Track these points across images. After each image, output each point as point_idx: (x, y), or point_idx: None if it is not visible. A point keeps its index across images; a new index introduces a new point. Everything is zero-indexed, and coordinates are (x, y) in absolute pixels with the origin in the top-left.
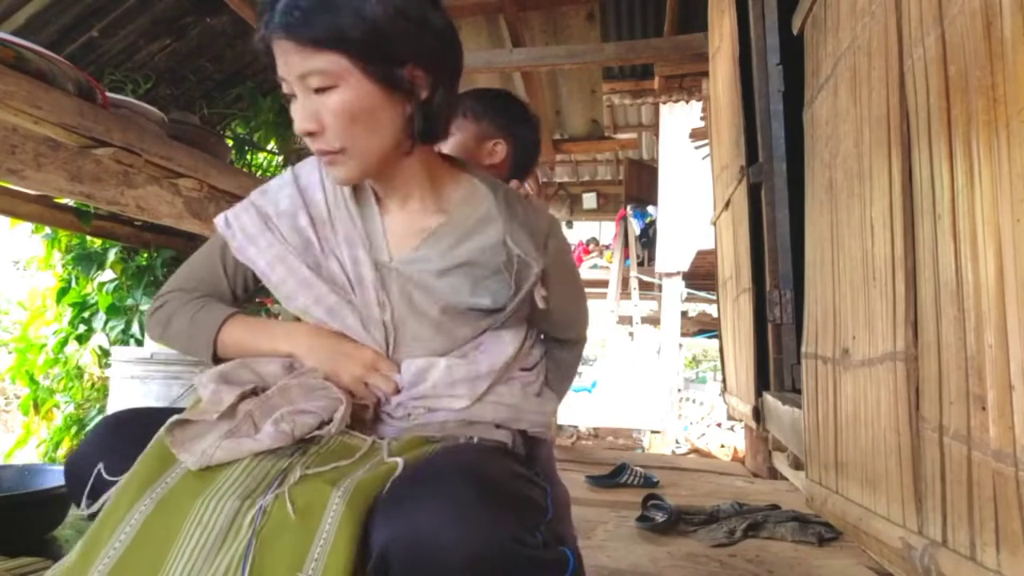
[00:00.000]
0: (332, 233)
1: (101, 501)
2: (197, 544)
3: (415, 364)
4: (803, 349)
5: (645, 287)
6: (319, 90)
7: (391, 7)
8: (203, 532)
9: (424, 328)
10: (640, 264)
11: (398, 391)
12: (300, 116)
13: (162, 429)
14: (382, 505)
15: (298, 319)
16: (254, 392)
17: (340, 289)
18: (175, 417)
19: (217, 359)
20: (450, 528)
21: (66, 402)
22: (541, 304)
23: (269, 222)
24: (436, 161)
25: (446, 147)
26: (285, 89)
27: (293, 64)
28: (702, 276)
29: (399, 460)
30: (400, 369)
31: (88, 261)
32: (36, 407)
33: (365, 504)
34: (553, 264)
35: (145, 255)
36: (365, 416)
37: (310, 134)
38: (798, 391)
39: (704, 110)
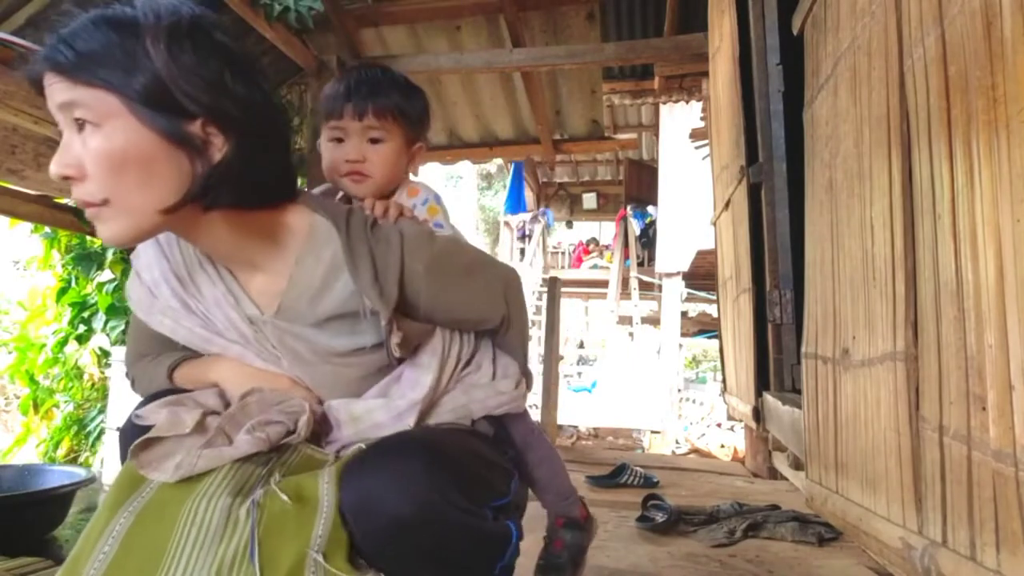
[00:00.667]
0: (199, 295)
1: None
2: (195, 541)
3: (334, 408)
4: (803, 349)
5: (645, 287)
6: (82, 126)
7: (177, 59)
8: (199, 529)
9: (325, 375)
10: (640, 264)
11: (322, 415)
12: (57, 157)
13: (128, 455)
14: (345, 472)
15: None
16: (208, 414)
17: (238, 338)
18: (140, 439)
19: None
20: (395, 493)
21: (66, 402)
22: (397, 352)
23: (154, 290)
24: (249, 218)
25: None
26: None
27: (56, 92)
28: (702, 276)
29: (362, 446)
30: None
31: (88, 261)
32: (36, 407)
33: None
34: (425, 285)
35: None
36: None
37: (67, 178)
38: (798, 391)
39: (704, 110)
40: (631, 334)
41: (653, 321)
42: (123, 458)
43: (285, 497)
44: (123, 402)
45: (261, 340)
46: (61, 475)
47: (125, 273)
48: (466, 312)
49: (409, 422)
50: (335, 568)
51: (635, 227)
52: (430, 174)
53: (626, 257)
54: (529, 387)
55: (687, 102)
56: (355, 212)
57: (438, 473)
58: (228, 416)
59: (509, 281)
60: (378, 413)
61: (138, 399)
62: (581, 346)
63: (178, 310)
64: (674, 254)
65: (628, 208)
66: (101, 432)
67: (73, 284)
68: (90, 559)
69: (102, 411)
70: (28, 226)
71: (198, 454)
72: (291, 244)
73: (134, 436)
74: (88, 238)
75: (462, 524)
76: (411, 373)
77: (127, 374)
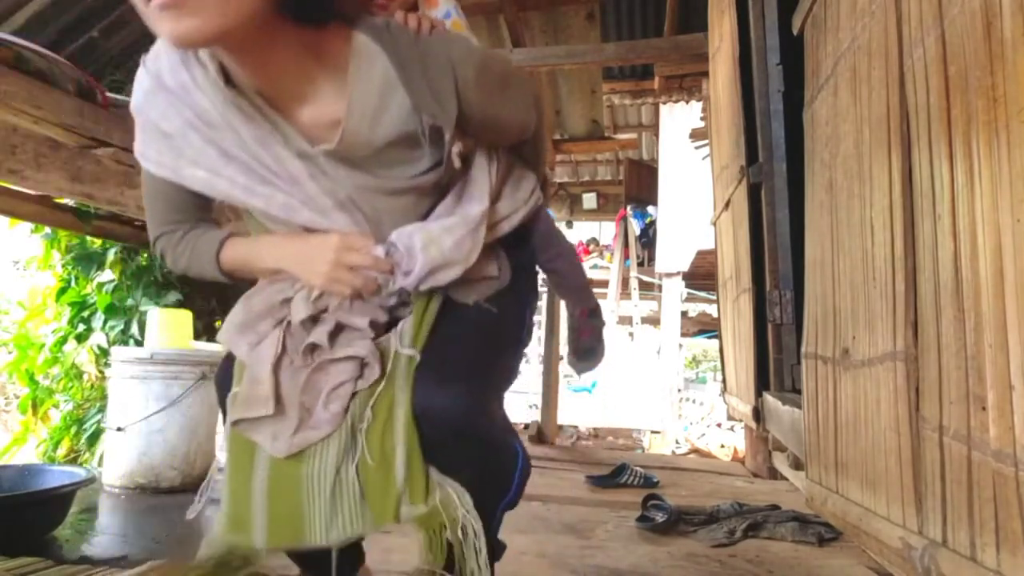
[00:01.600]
0: (236, 137)
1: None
2: (319, 496)
3: (404, 233)
4: (803, 349)
5: (645, 287)
6: None
7: None
8: (319, 489)
9: (379, 208)
10: (640, 264)
11: (388, 266)
12: None
13: (228, 424)
14: (415, 385)
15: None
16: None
17: (283, 185)
18: (234, 417)
19: (227, 275)
20: (448, 404)
21: (65, 401)
22: (457, 163)
23: (180, 141)
24: (315, 38)
25: None
26: None
27: None
28: (702, 276)
29: (415, 354)
30: (374, 242)
31: (88, 261)
32: (35, 407)
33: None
34: (476, 94)
35: (145, 255)
36: (380, 285)
37: None
38: (798, 391)
39: (704, 110)
40: (631, 334)
41: (653, 321)
42: (220, 403)
43: (370, 460)
44: (123, 402)
45: (315, 177)
46: (61, 475)
47: (124, 273)
48: (511, 118)
49: (481, 233)
50: (415, 501)
51: (635, 227)
52: None
53: (626, 257)
54: (547, 194)
55: (687, 102)
56: (391, 24)
57: (485, 394)
58: (307, 386)
59: (534, 88)
60: (457, 229)
61: (138, 401)
62: None
63: (215, 158)
64: (674, 254)
65: (628, 208)
66: (100, 432)
67: (73, 284)
68: (251, 511)
69: (101, 410)
70: (28, 226)
71: (289, 441)
72: (342, 66)
73: (225, 367)
74: (88, 238)
75: (498, 437)
76: (469, 188)
77: (153, 245)
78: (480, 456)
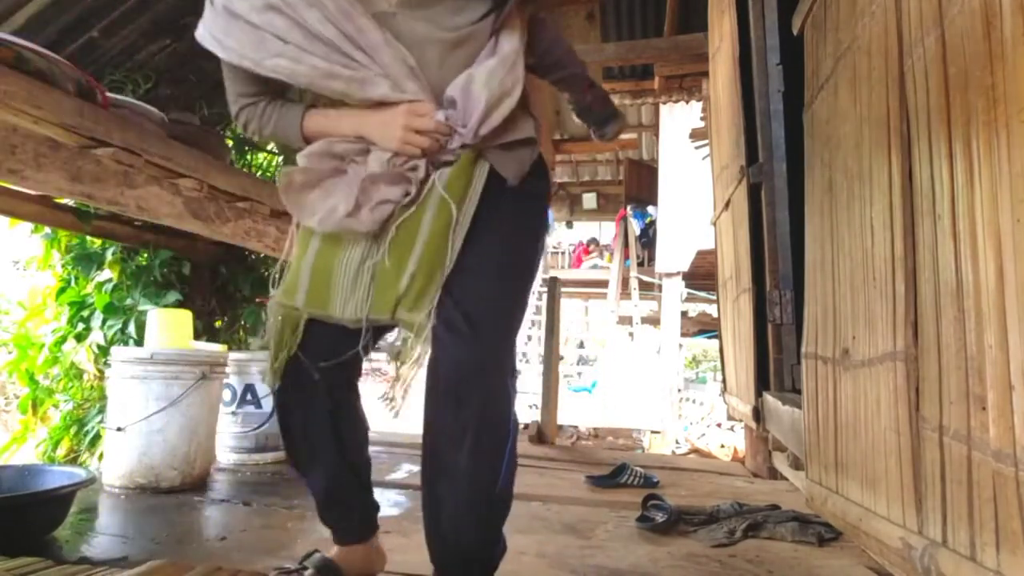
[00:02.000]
0: (321, 12)
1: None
2: (344, 278)
3: (457, 85)
4: (803, 349)
5: (645, 287)
6: None
7: None
8: (344, 275)
9: (445, 55)
10: (640, 264)
11: (448, 130)
12: None
13: (282, 179)
14: (440, 334)
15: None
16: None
17: (363, 62)
18: (296, 181)
19: (306, 141)
20: (467, 357)
21: (65, 401)
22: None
23: (264, 25)
24: None
25: None
26: None
27: None
28: (702, 276)
29: (448, 198)
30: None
31: (88, 261)
32: (34, 407)
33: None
34: None
35: (145, 255)
36: (443, 145)
37: None
38: (798, 391)
39: (704, 110)
40: (631, 334)
41: (653, 321)
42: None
43: (387, 263)
44: (123, 402)
45: (390, 43)
46: (61, 475)
47: (124, 273)
48: None
49: (519, 68)
50: (407, 307)
51: (635, 227)
52: None
53: (626, 257)
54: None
55: (687, 102)
56: None
57: (507, 342)
58: (363, 188)
59: None
60: (499, 69)
61: (138, 401)
62: (581, 346)
63: (300, 40)
64: (674, 254)
65: (628, 208)
66: (99, 432)
67: (72, 284)
68: (298, 284)
69: (102, 411)
70: (28, 226)
71: (338, 223)
72: None
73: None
74: (88, 238)
75: (506, 386)
76: (504, 33)
77: (236, 117)
78: (486, 392)
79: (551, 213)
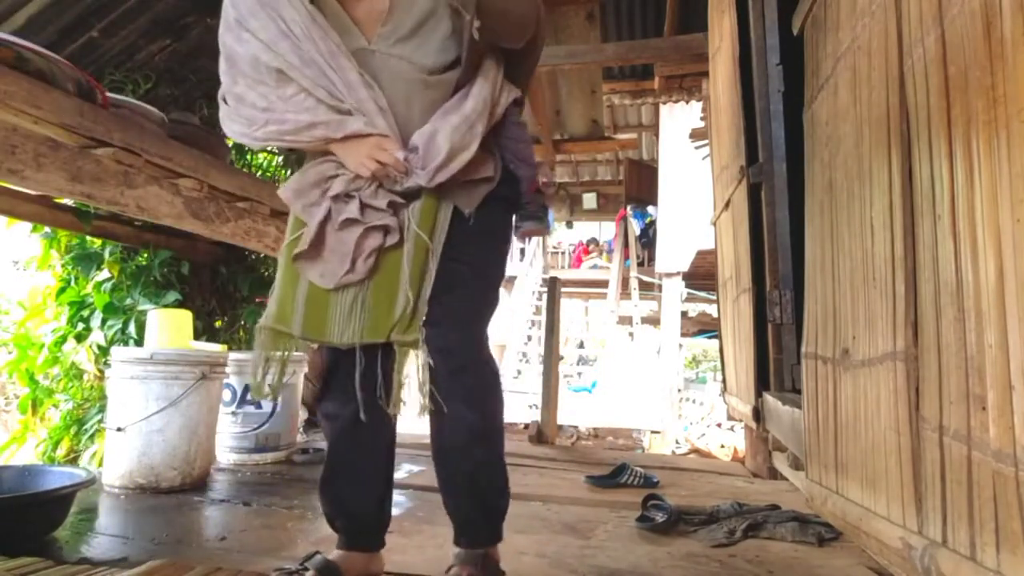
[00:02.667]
0: (315, 48)
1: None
2: (339, 313)
3: (424, 133)
4: (803, 349)
5: (645, 287)
6: None
7: None
8: (340, 309)
9: (413, 95)
10: (640, 264)
11: (405, 163)
12: None
13: (286, 255)
14: (426, 327)
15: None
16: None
17: (348, 101)
18: (298, 250)
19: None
20: (456, 337)
21: (65, 401)
22: (476, 36)
23: (284, 74)
24: None
25: None
26: None
27: None
28: (702, 276)
29: (422, 234)
30: (403, 145)
31: (87, 261)
32: (34, 407)
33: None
34: None
35: (144, 255)
36: (395, 179)
37: None
38: (798, 391)
39: (704, 110)
40: (631, 334)
41: (653, 321)
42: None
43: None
44: (123, 402)
45: (367, 85)
46: (61, 476)
47: (123, 273)
48: (518, 10)
49: (478, 128)
50: (401, 332)
51: (635, 227)
52: None
53: (626, 257)
54: (521, 102)
55: (687, 102)
56: None
57: (482, 329)
58: (357, 244)
59: (539, 2)
60: (461, 126)
61: (138, 401)
62: (581, 346)
63: (307, 86)
64: (674, 254)
65: (628, 208)
66: (98, 433)
67: (72, 284)
68: (293, 312)
69: (102, 410)
70: (28, 226)
71: (337, 280)
72: None
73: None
74: (88, 238)
75: (493, 372)
76: (472, 90)
77: (223, 98)
78: (476, 372)
79: (551, 213)
